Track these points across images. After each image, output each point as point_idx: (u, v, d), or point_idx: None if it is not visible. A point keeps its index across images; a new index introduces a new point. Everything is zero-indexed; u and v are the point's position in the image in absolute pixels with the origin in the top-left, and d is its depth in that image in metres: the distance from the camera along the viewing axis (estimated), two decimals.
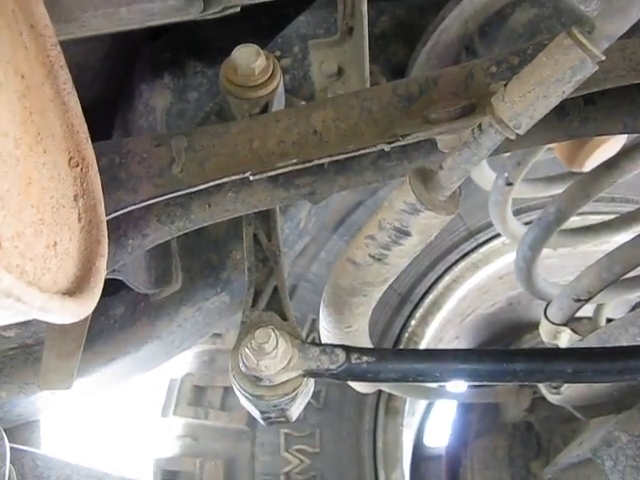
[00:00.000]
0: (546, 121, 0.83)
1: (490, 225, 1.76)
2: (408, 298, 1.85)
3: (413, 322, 1.85)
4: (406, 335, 1.82)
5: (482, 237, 1.87)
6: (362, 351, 0.84)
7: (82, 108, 1.13)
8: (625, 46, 0.83)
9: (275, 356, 0.83)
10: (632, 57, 0.83)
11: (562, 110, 0.90)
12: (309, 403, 0.95)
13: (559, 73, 0.66)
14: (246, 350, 0.84)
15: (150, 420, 1.89)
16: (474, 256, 1.89)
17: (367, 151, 0.84)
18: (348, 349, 0.84)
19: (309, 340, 1.55)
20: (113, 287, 1.16)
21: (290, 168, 0.84)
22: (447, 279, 1.90)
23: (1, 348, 1.18)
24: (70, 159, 0.79)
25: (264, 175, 0.85)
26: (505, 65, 0.86)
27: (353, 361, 0.83)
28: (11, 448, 1.06)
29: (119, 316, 1.20)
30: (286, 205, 1.21)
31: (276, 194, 0.91)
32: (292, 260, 1.41)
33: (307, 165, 0.85)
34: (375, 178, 0.90)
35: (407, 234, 0.80)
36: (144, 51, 1.42)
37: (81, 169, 0.80)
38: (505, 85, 0.71)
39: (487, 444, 1.97)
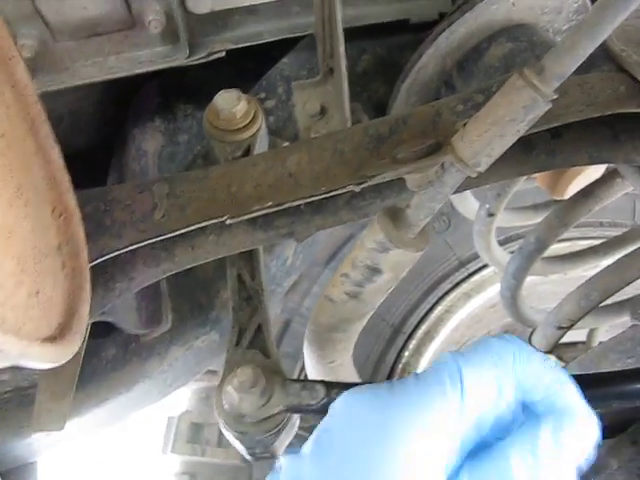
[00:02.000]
0: (513, 155, 0.86)
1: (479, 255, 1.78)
2: (401, 329, 1.87)
3: (407, 353, 1.87)
4: (400, 366, 1.83)
5: (473, 267, 1.89)
6: (342, 386, 0.86)
7: (77, 153, 1.17)
8: (584, 81, 0.86)
9: (255, 393, 0.85)
10: (590, 92, 0.86)
11: (529, 144, 0.93)
12: (302, 436, 0.97)
13: (513, 113, 0.69)
14: (228, 388, 0.86)
15: (150, 458, 1.90)
16: (465, 286, 1.91)
17: (339, 192, 0.86)
18: (328, 384, 0.86)
19: (303, 376, 1.57)
20: (105, 329, 1.18)
21: (266, 211, 0.87)
22: (439, 309, 1.91)
23: None
24: (53, 209, 0.82)
25: (241, 218, 0.87)
26: (470, 103, 0.89)
27: (333, 396, 0.85)
28: None
29: (111, 357, 1.23)
30: (271, 244, 1.24)
31: (256, 236, 0.94)
32: (282, 297, 1.44)
33: (282, 207, 0.88)
34: (350, 217, 0.93)
35: (379, 272, 0.83)
36: (136, 95, 1.46)
37: (64, 218, 0.83)
38: (464, 125, 0.74)
39: None
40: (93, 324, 1.01)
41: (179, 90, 1.44)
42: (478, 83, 1.27)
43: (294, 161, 0.90)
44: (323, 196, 0.86)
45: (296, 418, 0.92)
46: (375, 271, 0.83)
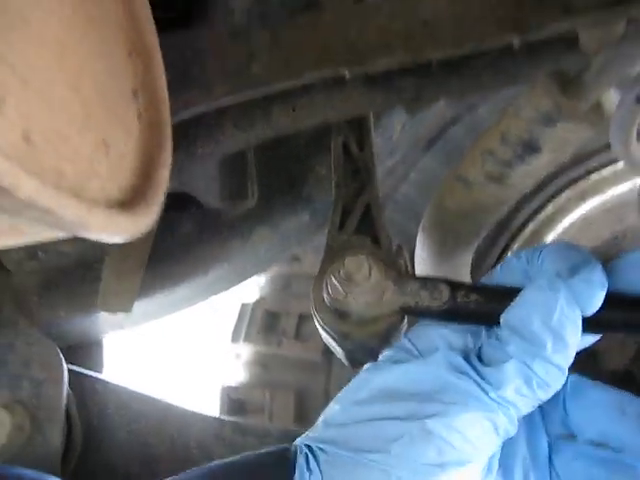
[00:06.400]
0: None
1: (603, 150, 1.57)
2: (506, 227, 1.68)
3: (509, 254, 1.69)
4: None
5: (592, 163, 1.68)
6: (470, 288, 0.69)
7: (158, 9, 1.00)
8: None
9: (366, 287, 0.70)
10: None
11: None
12: None
13: None
14: (333, 280, 0.71)
15: (219, 346, 1.80)
16: (582, 184, 1.70)
17: (490, 47, 0.68)
18: (453, 285, 0.70)
19: None
20: (181, 201, 1.04)
21: (395, 65, 0.69)
22: (550, 208, 1.72)
23: (59, 264, 1.09)
24: (130, 46, 0.66)
25: (362, 71, 0.70)
26: None
27: (459, 299, 0.69)
28: (70, 371, 0.98)
29: (186, 235, 1.08)
30: (378, 114, 1.06)
31: (373, 97, 0.76)
32: (381, 179, 1.27)
33: (413, 64, 0.70)
34: (493, 83, 0.74)
35: (536, 150, 0.65)
36: None
37: (142, 60, 0.67)
38: None
39: None
40: (167, 195, 0.87)
41: None
42: None
43: (429, 5, 0.71)
44: (469, 51, 0.67)
45: (405, 323, 0.76)
46: (531, 149, 0.65)
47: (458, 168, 0.72)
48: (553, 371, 0.64)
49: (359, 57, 0.70)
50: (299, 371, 1.61)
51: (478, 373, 0.65)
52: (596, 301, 0.65)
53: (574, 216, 1.73)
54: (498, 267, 0.71)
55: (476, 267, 1.63)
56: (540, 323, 0.63)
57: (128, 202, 0.57)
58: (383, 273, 0.70)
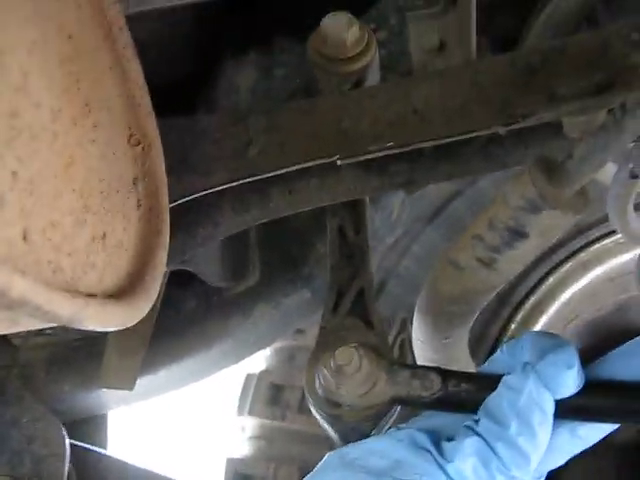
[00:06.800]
0: None
1: (602, 221, 1.58)
2: (508, 300, 1.68)
3: (513, 326, 1.69)
4: (504, 340, 1.66)
5: (593, 234, 1.69)
6: (461, 377, 0.70)
7: (162, 86, 1.03)
8: None
9: (357, 380, 0.71)
10: None
11: None
12: None
13: None
14: (324, 371, 0.72)
15: (224, 418, 1.79)
16: (583, 255, 1.71)
17: (478, 134, 0.70)
18: (444, 374, 0.70)
19: (398, 342, 1.43)
20: (185, 279, 1.06)
21: (385, 152, 0.71)
22: (552, 280, 1.72)
23: (65, 339, 1.11)
24: (129, 136, 0.68)
25: (354, 160, 0.72)
26: None
27: (450, 389, 0.70)
28: (73, 446, 0.99)
29: (190, 311, 1.10)
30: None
31: (367, 182, 0.78)
32: (382, 254, 1.29)
33: (405, 150, 0.72)
34: (484, 167, 0.77)
35: (523, 236, 0.66)
36: (229, 26, 1.31)
37: (142, 148, 0.69)
38: None
39: (590, 466, 1.78)
40: (171, 272, 0.89)
41: (278, 21, 1.29)
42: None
43: (421, 95, 0.73)
44: (458, 138, 0.69)
45: (397, 407, 0.77)
46: (519, 235, 0.66)
47: (450, 252, 0.73)
48: (516, 455, 0.64)
49: (352, 146, 0.72)
50: (303, 444, 1.60)
51: (438, 449, 0.65)
52: (565, 382, 0.66)
53: (576, 287, 1.73)
54: (486, 363, 0.73)
55: (479, 341, 1.65)
56: (507, 406, 0.64)
57: (125, 290, 0.59)
58: (374, 363, 0.71)
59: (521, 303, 1.68)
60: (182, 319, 1.10)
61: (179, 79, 1.39)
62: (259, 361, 1.73)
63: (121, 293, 0.58)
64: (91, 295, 0.52)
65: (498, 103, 0.70)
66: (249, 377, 1.72)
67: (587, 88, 0.66)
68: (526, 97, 0.68)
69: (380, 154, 0.73)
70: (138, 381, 0.97)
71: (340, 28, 0.90)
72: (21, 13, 0.49)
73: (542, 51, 0.72)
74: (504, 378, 0.67)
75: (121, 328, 0.55)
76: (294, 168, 0.75)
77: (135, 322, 0.57)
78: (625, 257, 1.58)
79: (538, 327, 1.68)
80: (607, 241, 1.66)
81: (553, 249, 1.68)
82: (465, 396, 0.69)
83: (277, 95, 1.25)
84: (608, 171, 1.28)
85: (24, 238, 0.46)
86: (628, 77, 0.64)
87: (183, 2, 1.12)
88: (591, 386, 0.67)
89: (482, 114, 0.69)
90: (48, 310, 0.43)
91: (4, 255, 0.43)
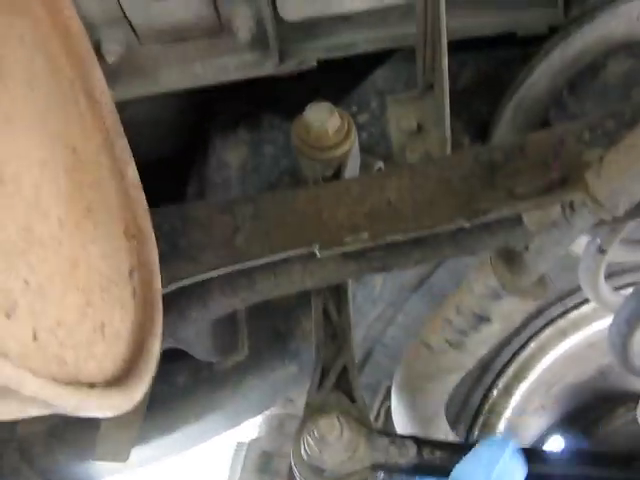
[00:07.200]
0: None
1: (579, 289, 1.64)
2: (489, 367, 1.73)
3: (495, 392, 1.73)
4: (486, 407, 1.71)
5: (570, 302, 1.75)
6: (435, 445, 0.76)
7: (156, 162, 1.09)
8: None
9: (339, 447, 0.76)
10: None
11: None
12: None
13: None
14: (308, 439, 0.77)
15: None
16: (561, 322, 1.77)
17: (444, 229, 0.76)
18: (420, 442, 0.76)
19: (384, 410, 1.47)
20: (176, 353, 1.11)
21: (362, 245, 0.78)
22: (532, 347, 1.78)
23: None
24: (125, 230, 0.74)
25: (333, 252, 0.78)
26: (600, 130, 0.78)
27: (425, 456, 0.75)
28: None
29: (181, 384, 1.15)
30: None
31: (346, 268, 0.84)
32: (365, 329, 1.34)
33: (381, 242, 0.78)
34: (453, 253, 0.83)
35: (487, 320, 0.72)
36: (220, 104, 1.39)
37: (137, 241, 0.75)
38: (601, 158, 0.63)
39: None
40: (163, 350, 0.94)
41: (265, 100, 1.36)
42: (594, 104, 1.15)
43: (393, 188, 0.80)
44: (426, 233, 0.76)
45: (380, 474, 0.82)
46: (483, 320, 0.72)
47: (422, 334, 0.79)
48: None
49: (330, 237, 0.78)
50: None
51: None
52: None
53: (556, 353, 1.79)
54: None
55: (462, 407, 1.69)
56: (482, 476, 0.69)
57: (122, 377, 0.64)
58: (355, 431, 0.77)
59: (502, 370, 1.73)
60: (173, 392, 1.14)
61: (171, 155, 1.46)
62: (250, 429, 1.76)
63: (118, 380, 0.63)
64: (92, 385, 0.57)
65: (463, 197, 0.76)
66: (239, 446, 1.75)
67: (543, 187, 0.72)
68: (488, 193, 0.75)
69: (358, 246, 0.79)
70: (131, 452, 1.02)
71: (321, 117, 0.97)
72: (35, 138, 0.56)
73: (503, 149, 0.79)
74: (477, 447, 0.71)
75: (118, 414, 0.60)
76: (278, 257, 0.81)
77: (130, 408, 0.62)
78: (604, 323, 1.63)
79: (520, 393, 1.74)
80: (585, 308, 1.73)
81: (532, 317, 1.74)
82: (439, 462, 0.74)
83: (266, 172, 1.32)
84: (582, 244, 1.35)
85: (34, 337, 0.51)
86: (580, 175, 0.70)
87: (176, 88, 1.20)
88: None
89: (448, 208, 0.76)
90: (56, 404, 0.48)
91: (17, 354, 0.49)
